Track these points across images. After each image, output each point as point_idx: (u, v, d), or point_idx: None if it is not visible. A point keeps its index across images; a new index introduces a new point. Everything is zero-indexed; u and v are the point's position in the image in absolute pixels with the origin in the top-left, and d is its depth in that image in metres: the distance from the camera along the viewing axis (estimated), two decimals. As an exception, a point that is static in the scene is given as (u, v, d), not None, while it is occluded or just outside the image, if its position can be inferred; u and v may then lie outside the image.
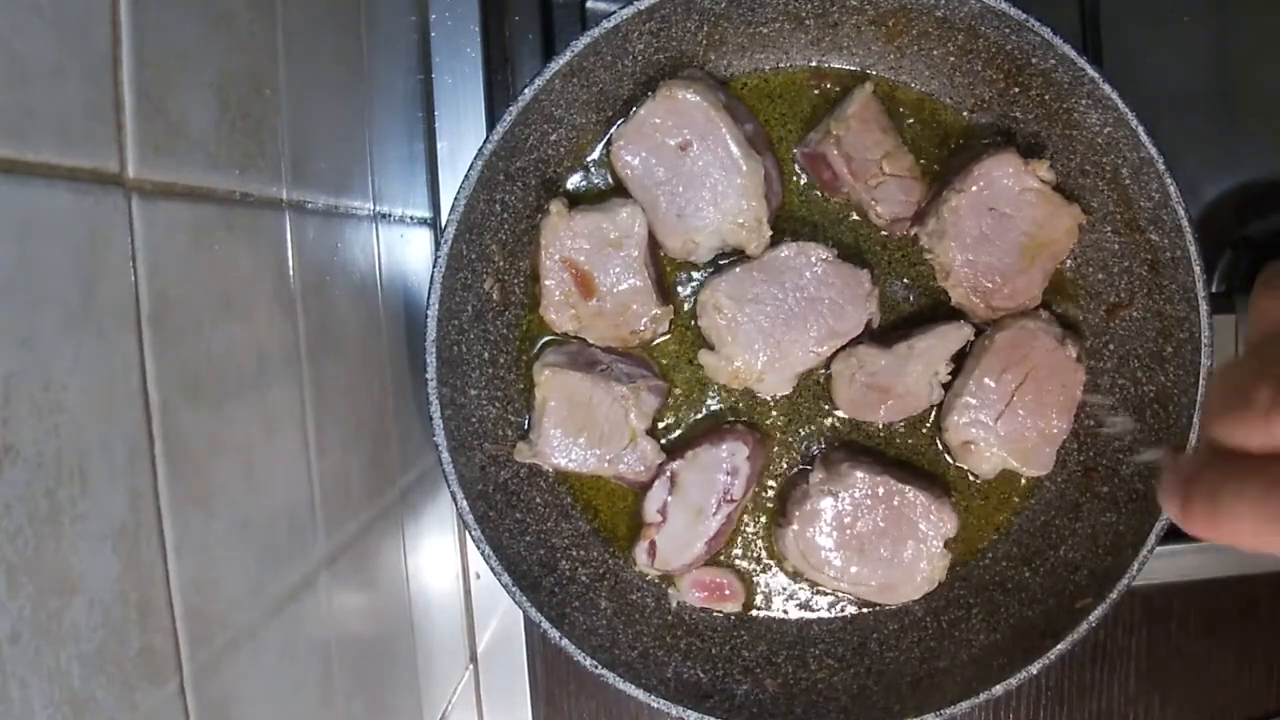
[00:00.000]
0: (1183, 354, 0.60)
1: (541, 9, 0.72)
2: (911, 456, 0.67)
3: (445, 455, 0.58)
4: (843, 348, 0.64)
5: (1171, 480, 0.32)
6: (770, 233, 0.62)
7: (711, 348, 0.64)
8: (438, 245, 0.58)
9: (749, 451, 0.63)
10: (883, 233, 0.66)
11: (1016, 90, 0.63)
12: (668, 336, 0.66)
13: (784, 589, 0.68)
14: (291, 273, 0.49)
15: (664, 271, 0.66)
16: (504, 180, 0.60)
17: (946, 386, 0.64)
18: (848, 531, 0.63)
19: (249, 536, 0.43)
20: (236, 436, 0.43)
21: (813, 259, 0.62)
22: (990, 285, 0.64)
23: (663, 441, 0.65)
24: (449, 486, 0.59)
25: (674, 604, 0.67)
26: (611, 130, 0.64)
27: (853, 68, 0.66)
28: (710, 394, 0.67)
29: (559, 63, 0.57)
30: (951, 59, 0.63)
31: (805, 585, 0.68)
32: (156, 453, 0.36)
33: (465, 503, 0.59)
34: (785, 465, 0.67)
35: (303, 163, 0.51)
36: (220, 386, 0.41)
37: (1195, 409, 0.59)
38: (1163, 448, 0.44)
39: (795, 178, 0.66)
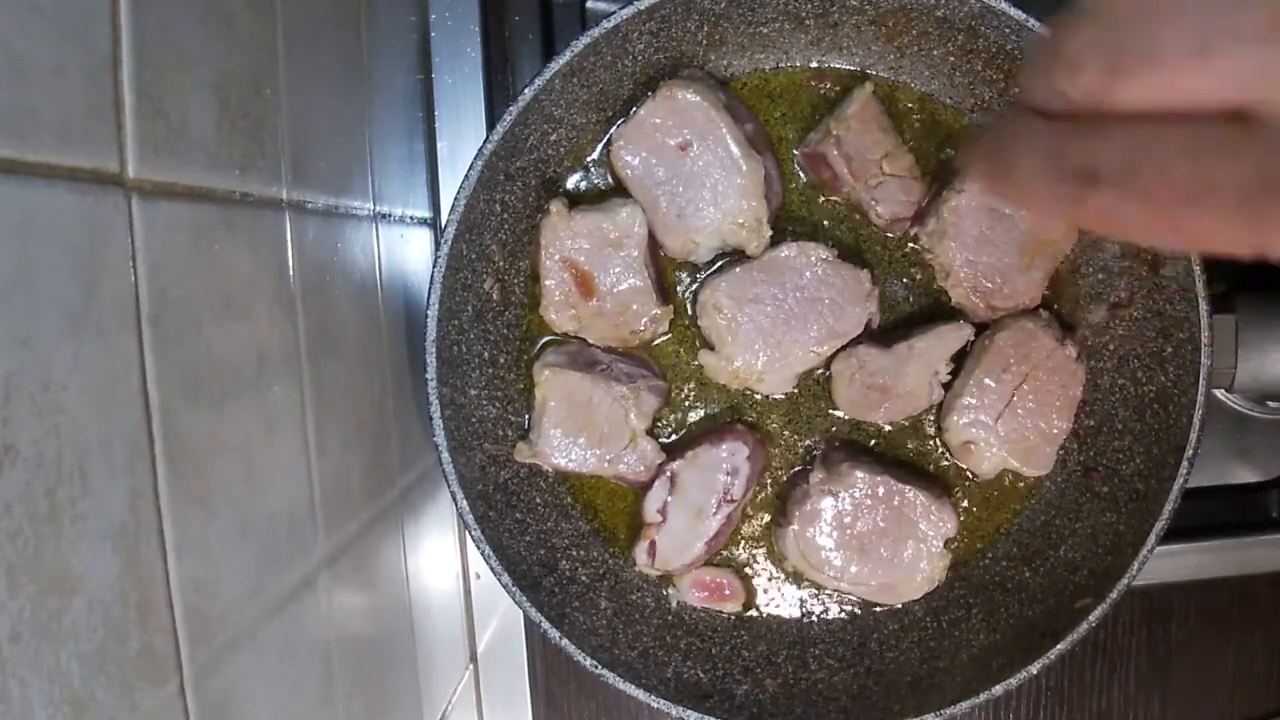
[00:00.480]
0: (1183, 354, 0.60)
1: (541, 9, 0.72)
2: (911, 456, 0.67)
3: (445, 455, 0.58)
4: (843, 348, 0.64)
5: (977, 140, 0.32)
6: (770, 233, 0.62)
7: (711, 348, 0.64)
8: (438, 245, 0.58)
9: (749, 451, 0.63)
10: (883, 233, 0.66)
11: (1017, 90, 0.63)
12: (668, 336, 0.66)
13: (784, 589, 0.68)
14: (291, 273, 0.49)
15: (664, 271, 0.66)
16: (504, 180, 0.60)
17: (946, 386, 0.64)
18: (848, 531, 0.63)
19: (249, 536, 0.43)
20: (236, 436, 0.43)
21: (813, 259, 0.62)
22: (990, 285, 0.64)
23: (663, 441, 0.65)
24: (449, 486, 0.59)
25: (674, 604, 0.67)
26: (611, 130, 0.64)
27: (853, 68, 0.66)
28: (710, 394, 0.67)
29: (559, 63, 0.57)
30: (951, 59, 0.63)
31: (805, 585, 0.67)
32: (156, 453, 0.36)
33: (465, 503, 0.59)
34: (785, 465, 0.67)
35: (303, 163, 0.51)
36: (220, 386, 0.41)
37: (1195, 409, 0.60)
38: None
39: (795, 178, 0.66)
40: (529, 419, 0.65)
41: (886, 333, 0.65)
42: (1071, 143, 0.28)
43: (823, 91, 0.66)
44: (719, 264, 0.65)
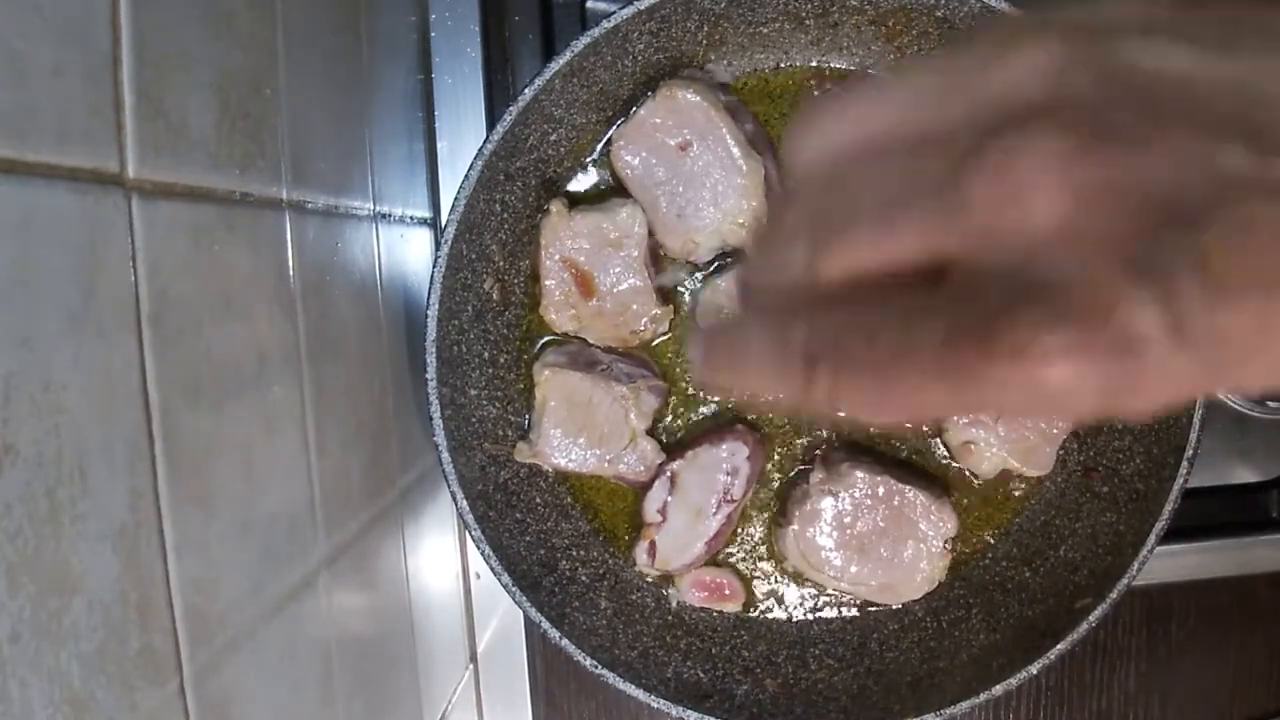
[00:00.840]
0: (1183, 354, 0.60)
1: (541, 9, 0.72)
2: (911, 456, 0.67)
3: (445, 455, 0.58)
4: (843, 348, 0.64)
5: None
6: (770, 233, 0.62)
7: (711, 348, 0.64)
8: (438, 245, 0.58)
9: (749, 451, 0.63)
10: (883, 233, 0.66)
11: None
12: (668, 336, 0.66)
13: (784, 589, 0.68)
14: (291, 273, 0.49)
15: (664, 271, 0.66)
16: (504, 180, 0.60)
17: (946, 386, 0.64)
18: (848, 531, 0.63)
19: (249, 536, 0.43)
20: (236, 436, 0.43)
21: (813, 259, 0.62)
22: (990, 285, 0.64)
23: (663, 441, 0.65)
24: (449, 486, 0.59)
25: (674, 604, 0.67)
26: (611, 130, 0.64)
27: (853, 68, 0.66)
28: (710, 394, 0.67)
29: (559, 63, 0.57)
30: (951, 59, 0.63)
31: (805, 585, 0.67)
32: (156, 453, 0.36)
33: (465, 503, 0.59)
34: (785, 465, 0.67)
35: (303, 163, 0.51)
36: (220, 386, 0.41)
37: (1195, 409, 0.59)
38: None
39: (795, 178, 0.66)
40: (529, 419, 0.65)
41: (886, 333, 0.65)
42: (794, 326, 0.27)
43: (822, 92, 0.66)
44: (719, 264, 0.65)
